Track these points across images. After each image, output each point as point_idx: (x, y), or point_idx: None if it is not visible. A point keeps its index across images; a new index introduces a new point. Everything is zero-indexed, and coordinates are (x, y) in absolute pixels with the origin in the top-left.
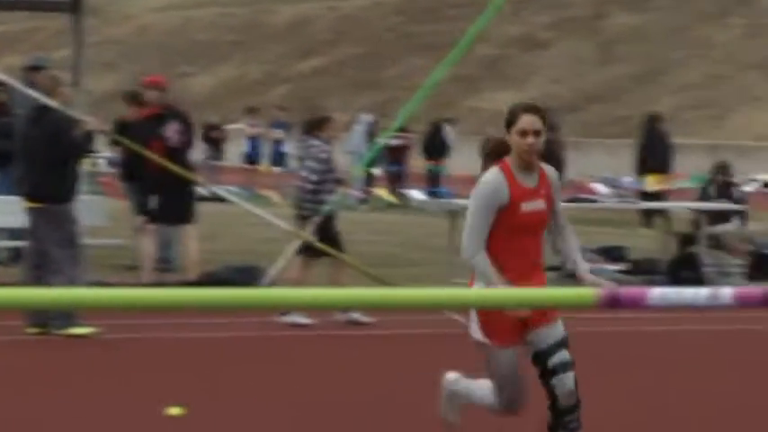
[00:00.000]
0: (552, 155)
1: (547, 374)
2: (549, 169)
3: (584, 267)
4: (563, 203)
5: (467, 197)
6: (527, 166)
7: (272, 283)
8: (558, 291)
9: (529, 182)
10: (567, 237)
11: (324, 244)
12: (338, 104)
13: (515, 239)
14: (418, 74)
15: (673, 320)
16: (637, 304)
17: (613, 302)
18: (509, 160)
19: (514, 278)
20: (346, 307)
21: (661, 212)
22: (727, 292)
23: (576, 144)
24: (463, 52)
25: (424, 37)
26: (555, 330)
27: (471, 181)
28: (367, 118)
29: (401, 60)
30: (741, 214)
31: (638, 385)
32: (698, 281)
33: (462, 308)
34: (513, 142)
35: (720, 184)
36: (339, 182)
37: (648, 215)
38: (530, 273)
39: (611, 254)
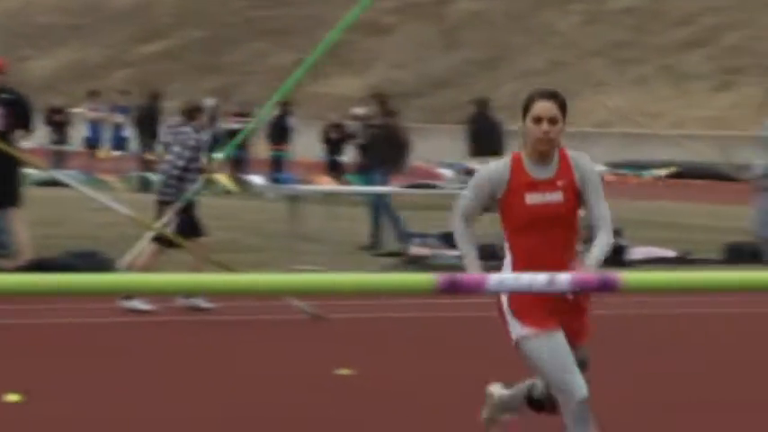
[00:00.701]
0: (393, 140)
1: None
2: (578, 159)
3: (589, 259)
4: (407, 188)
5: (309, 182)
6: (542, 156)
7: (128, 269)
8: (398, 277)
9: (542, 172)
10: (596, 234)
11: (184, 231)
12: (180, 89)
13: (527, 237)
14: (260, 58)
15: None
16: (475, 290)
17: (452, 288)
18: (523, 150)
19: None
20: (187, 292)
21: None
22: (564, 278)
23: (419, 130)
24: (328, 46)
25: (267, 22)
26: (581, 352)
27: (314, 166)
28: (209, 102)
29: (243, 45)
30: None
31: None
32: None
33: (301, 293)
34: (528, 130)
35: None
36: (202, 170)
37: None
38: (565, 266)
39: (452, 239)
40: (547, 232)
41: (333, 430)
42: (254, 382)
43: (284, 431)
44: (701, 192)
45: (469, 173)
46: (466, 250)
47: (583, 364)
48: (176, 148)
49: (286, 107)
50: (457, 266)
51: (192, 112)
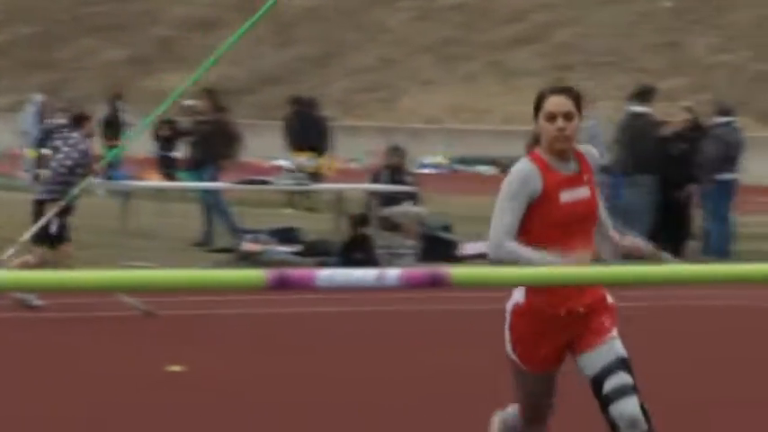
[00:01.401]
0: (224, 135)
1: (603, 405)
2: (588, 152)
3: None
4: (239, 185)
5: (142, 179)
6: (561, 155)
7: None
8: (227, 273)
9: (567, 168)
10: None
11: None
12: (8, 85)
13: (560, 237)
14: (90, 54)
15: (356, 302)
16: (305, 286)
17: (282, 284)
18: (539, 150)
19: (551, 303)
20: (16, 289)
21: (335, 194)
22: (393, 274)
23: (251, 126)
24: (231, 47)
25: (97, 17)
26: (609, 350)
27: (145, 162)
28: (38, 98)
29: (74, 41)
30: (413, 196)
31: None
32: (370, 262)
33: (132, 289)
34: (542, 129)
35: (393, 166)
36: (88, 172)
37: (291, 195)
38: (572, 290)
39: (285, 235)
40: (577, 231)
41: (164, 427)
42: (84, 380)
43: (114, 429)
44: None
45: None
46: (532, 255)
47: (623, 363)
48: (66, 149)
49: (117, 102)
50: (288, 263)
51: (79, 120)
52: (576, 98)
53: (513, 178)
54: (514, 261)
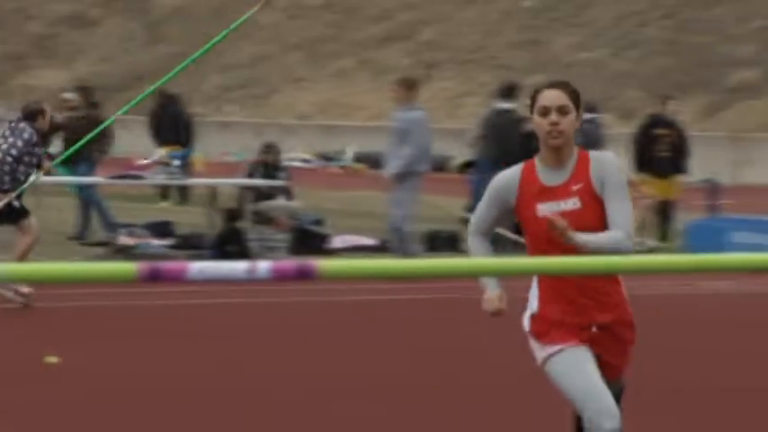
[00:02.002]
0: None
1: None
2: (596, 158)
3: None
4: (114, 179)
5: None
6: (555, 156)
7: None
8: (98, 266)
9: (554, 177)
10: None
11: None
12: None
13: (550, 252)
14: None
15: (224, 293)
16: (177, 278)
17: (154, 277)
18: (537, 156)
19: (567, 311)
20: None
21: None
22: (264, 266)
23: (124, 122)
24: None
25: None
26: (613, 387)
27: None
28: None
29: None
30: (286, 191)
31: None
32: (243, 255)
33: (7, 281)
34: (536, 126)
35: (267, 162)
36: (39, 166)
37: (165, 189)
38: (603, 294)
39: (159, 229)
40: (568, 248)
41: (40, 419)
42: None
43: None
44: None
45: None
46: (481, 258)
47: (617, 396)
48: (15, 140)
49: None
50: (162, 256)
51: (33, 114)
52: (573, 93)
53: (493, 182)
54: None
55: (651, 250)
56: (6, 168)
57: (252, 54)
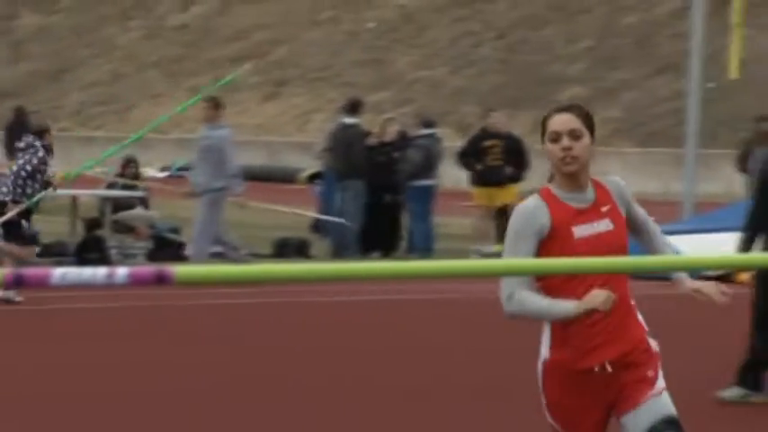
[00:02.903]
0: None
1: None
2: (611, 181)
3: (685, 279)
4: None
5: None
6: (573, 182)
7: None
8: None
9: (581, 200)
10: (659, 246)
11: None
12: None
13: (580, 283)
14: None
15: (79, 299)
16: (41, 283)
17: (19, 282)
18: (551, 185)
19: (595, 340)
20: None
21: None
22: (122, 272)
23: None
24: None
25: None
26: (654, 408)
27: None
28: None
29: None
30: (143, 201)
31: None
32: (104, 262)
33: None
34: (548, 153)
35: (127, 175)
36: (48, 183)
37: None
38: (615, 327)
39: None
40: (599, 278)
41: None
42: None
43: None
44: (255, 192)
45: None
46: (541, 303)
47: (671, 424)
48: (26, 157)
49: None
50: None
51: (43, 132)
52: (585, 116)
53: (516, 217)
54: (524, 314)
55: (492, 255)
56: (20, 182)
57: (111, 72)
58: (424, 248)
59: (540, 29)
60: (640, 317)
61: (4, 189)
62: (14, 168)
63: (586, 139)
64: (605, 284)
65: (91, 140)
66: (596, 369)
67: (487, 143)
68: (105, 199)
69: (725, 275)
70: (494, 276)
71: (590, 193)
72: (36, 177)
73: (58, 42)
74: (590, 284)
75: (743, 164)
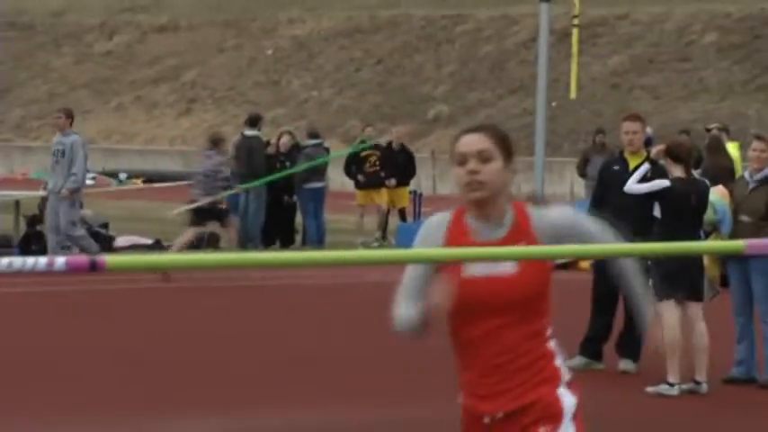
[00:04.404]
0: None
1: None
2: (543, 215)
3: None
4: None
5: None
6: (481, 211)
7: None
8: None
9: (488, 232)
10: (628, 279)
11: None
12: None
13: (466, 329)
14: None
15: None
16: None
17: None
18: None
19: (490, 388)
20: None
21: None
22: (61, 260)
23: None
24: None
25: None
26: None
27: None
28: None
29: None
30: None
31: None
32: (44, 252)
33: None
34: (454, 178)
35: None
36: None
37: None
38: (514, 376)
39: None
40: (491, 323)
41: None
42: None
43: None
44: (168, 194)
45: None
46: (410, 312)
47: None
48: (216, 158)
49: None
50: None
51: (217, 142)
52: (499, 138)
53: (422, 228)
54: (403, 329)
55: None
56: (210, 179)
57: (47, 91)
58: (316, 241)
59: (412, 56)
60: (559, 362)
61: None
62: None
63: (498, 162)
64: (503, 324)
65: (31, 150)
66: (485, 420)
67: (366, 153)
68: (44, 199)
69: (569, 263)
70: (374, 264)
71: (503, 227)
72: (219, 178)
73: (0, 66)
74: (485, 329)
75: (582, 169)
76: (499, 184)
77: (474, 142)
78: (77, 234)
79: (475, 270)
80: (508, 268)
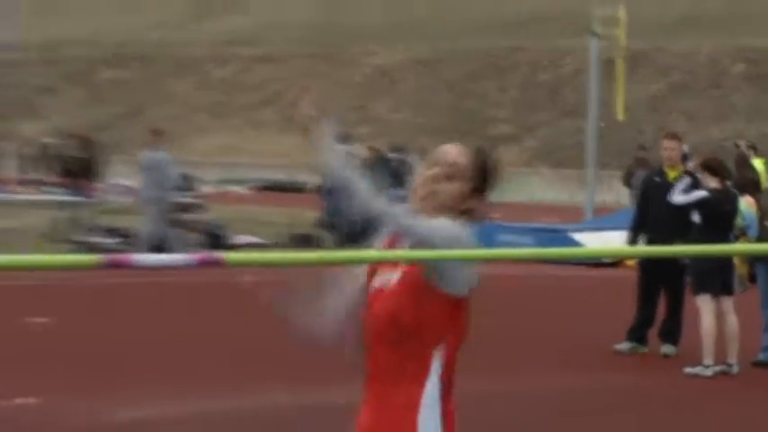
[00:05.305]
0: None
1: None
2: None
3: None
4: None
5: None
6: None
7: None
8: (78, 257)
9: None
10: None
11: None
12: None
13: (364, 334)
14: None
15: None
16: (134, 265)
17: (115, 264)
18: None
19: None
20: None
21: None
22: (189, 257)
23: None
24: None
25: None
26: None
27: None
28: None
29: None
30: (200, 206)
31: None
32: (173, 250)
33: None
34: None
35: (188, 188)
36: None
37: None
38: (375, 393)
39: (114, 232)
40: (372, 342)
41: None
42: None
43: None
44: (279, 200)
45: None
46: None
47: None
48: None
49: None
50: (116, 250)
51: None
52: (479, 164)
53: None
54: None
55: None
56: None
57: (171, 114)
58: None
59: (479, 82)
60: (423, 418)
61: None
62: None
63: (461, 185)
64: (380, 343)
65: None
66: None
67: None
68: (174, 204)
69: (616, 262)
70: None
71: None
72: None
73: (129, 89)
74: (370, 338)
75: (627, 181)
76: (446, 202)
77: (446, 152)
78: (168, 236)
79: (377, 282)
80: (393, 278)
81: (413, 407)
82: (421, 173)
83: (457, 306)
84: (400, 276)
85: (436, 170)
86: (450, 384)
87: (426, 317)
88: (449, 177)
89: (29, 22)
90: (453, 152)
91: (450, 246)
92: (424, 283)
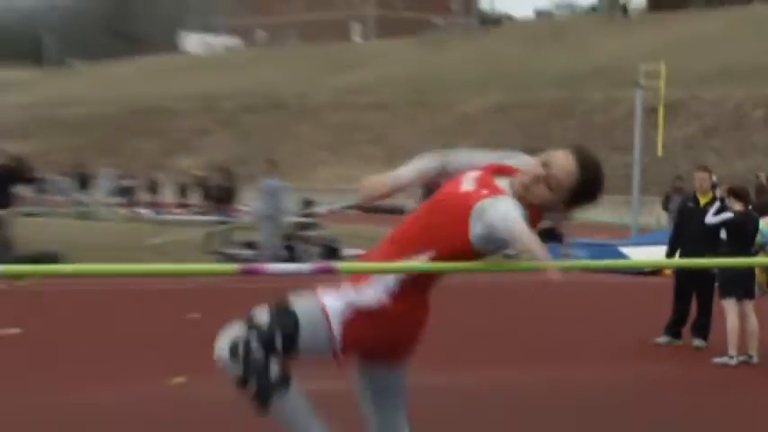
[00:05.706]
0: None
1: None
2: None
3: None
4: None
5: None
6: (523, 201)
7: None
8: (220, 266)
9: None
10: None
11: None
12: None
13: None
14: None
15: None
16: (263, 272)
17: (251, 272)
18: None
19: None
20: None
21: None
22: (310, 266)
23: None
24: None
25: None
26: None
27: None
28: None
29: None
30: (318, 225)
31: None
32: (293, 260)
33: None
34: (527, 167)
35: (308, 213)
36: None
37: None
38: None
39: (248, 245)
40: (414, 212)
41: None
42: None
43: None
44: (381, 220)
45: None
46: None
47: None
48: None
49: None
50: (250, 260)
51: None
52: (579, 184)
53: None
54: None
55: None
56: None
57: (295, 150)
58: None
59: (544, 125)
60: (340, 303)
61: None
62: None
63: (555, 199)
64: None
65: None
66: None
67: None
68: (296, 223)
69: (656, 271)
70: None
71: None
72: None
73: (266, 132)
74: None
75: (665, 205)
76: (545, 202)
77: (561, 167)
78: (275, 248)
79: (462, 180)
80: (463, 193)
81: (356, 289)
82: (534, 163)
83: (471, 252)
84: (468, 199)
85: (542, 172)
86: (404, 317)
87: (450, 238)
88: (549, 186)
89: (192, 77)
90: (563, 168)
91: (507, 229)
92: (469, 220)
